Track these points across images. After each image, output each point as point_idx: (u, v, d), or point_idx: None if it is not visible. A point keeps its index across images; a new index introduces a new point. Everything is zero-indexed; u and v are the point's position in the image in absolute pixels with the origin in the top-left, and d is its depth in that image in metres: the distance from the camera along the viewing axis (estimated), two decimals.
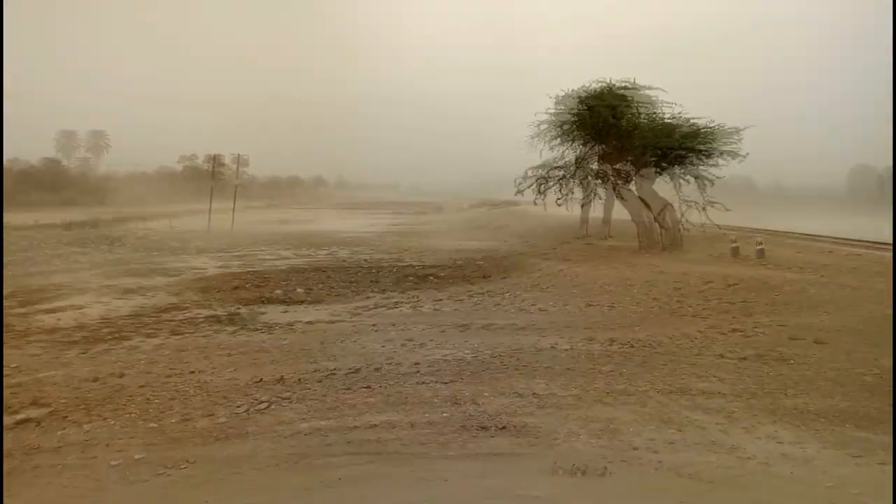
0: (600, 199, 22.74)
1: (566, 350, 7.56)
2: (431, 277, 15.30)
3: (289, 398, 5.79)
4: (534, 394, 5.81)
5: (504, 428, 4.98)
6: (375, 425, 5.10)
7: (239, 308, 10.65)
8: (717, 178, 18.18)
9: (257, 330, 8.96)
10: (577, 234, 23.49)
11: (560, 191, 20.76)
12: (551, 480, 4.11)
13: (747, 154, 17.62)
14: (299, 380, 6.39)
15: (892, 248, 15.88)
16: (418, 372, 6.66)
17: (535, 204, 21.01)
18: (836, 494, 3.84)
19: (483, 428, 5.00)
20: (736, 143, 17.48)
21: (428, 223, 45.06)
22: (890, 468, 4.16)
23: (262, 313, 10.24)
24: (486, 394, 5.83)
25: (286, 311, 10.52)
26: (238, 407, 5.55)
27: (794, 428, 4.91)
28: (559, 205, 21.11)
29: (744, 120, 24.49)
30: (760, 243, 15.20)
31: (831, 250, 16.77)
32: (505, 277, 15.22)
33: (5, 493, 3.91)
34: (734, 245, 15.37)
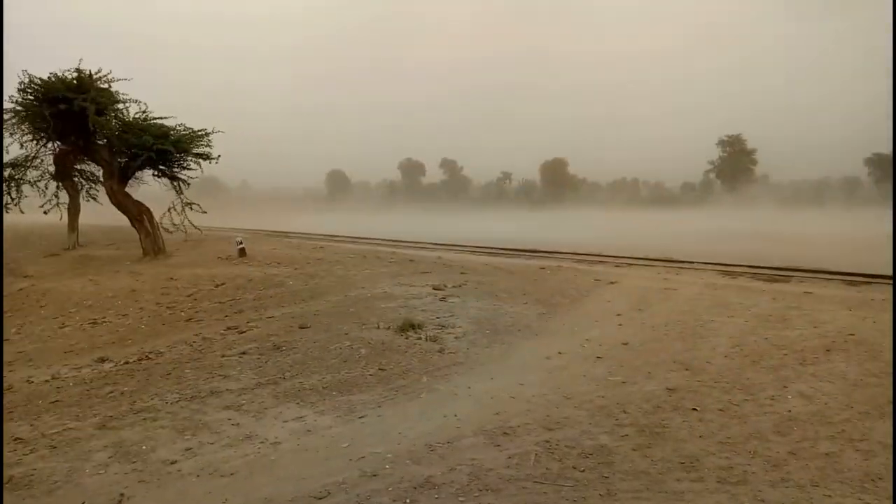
0: (63, 204, 20.07)
1: (47, 381, 6.45)
2: None
3: None
4: (16, 438, 4.78)
5: None
6: None
7: None
8: (192, 178, 18.17)
9: None
10: (66, 244, 20.04)
11: (14, 193, 17.69)
12: None
13: (219, 156, 18.11)
14: None
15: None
16: None
17: (8, 210, 17.90)
18: (333, 451, 4.54)
19: None
20: (207, 145, 17.72)
21: None
22: (368, 420, 5.17)
23: None
24: None
25: None
26: None
27: (296, 405, 5.53)
28: (8, 210, 17.80)
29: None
30: (241, 242, 16.14)
31: (300, 245, 19.26)
32: None
33: None
34: (241, 246, 15.72)
